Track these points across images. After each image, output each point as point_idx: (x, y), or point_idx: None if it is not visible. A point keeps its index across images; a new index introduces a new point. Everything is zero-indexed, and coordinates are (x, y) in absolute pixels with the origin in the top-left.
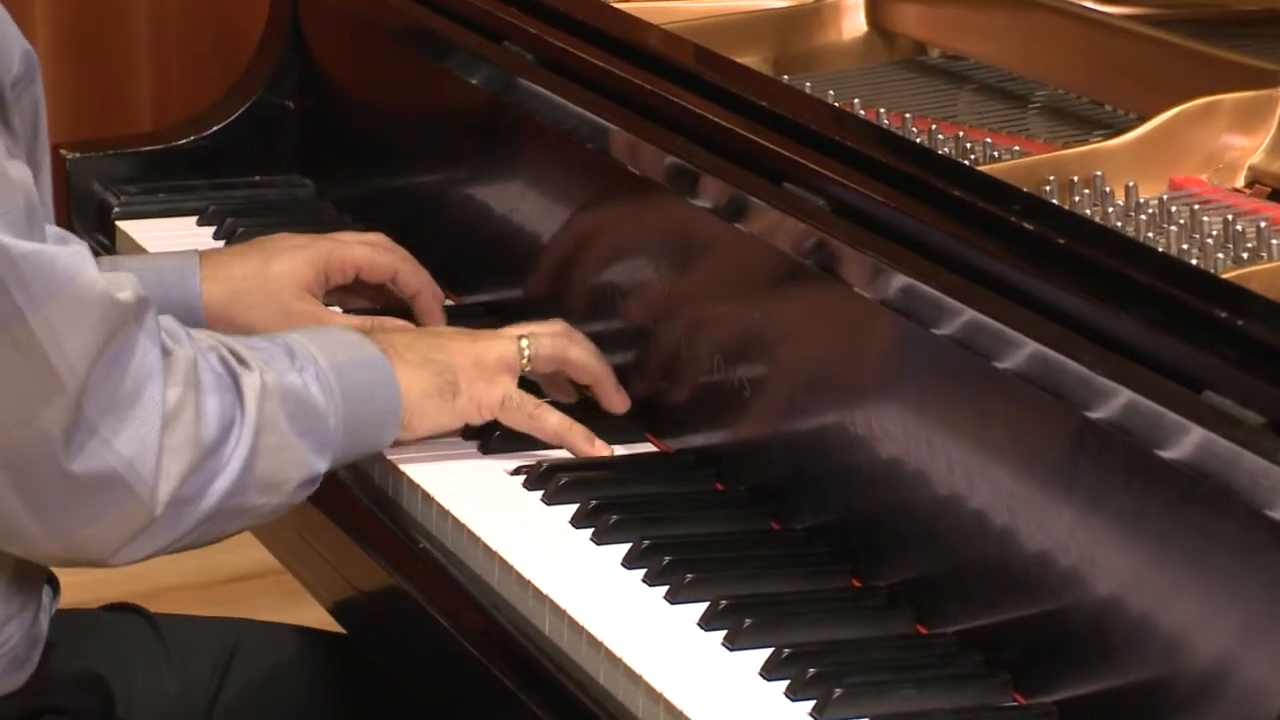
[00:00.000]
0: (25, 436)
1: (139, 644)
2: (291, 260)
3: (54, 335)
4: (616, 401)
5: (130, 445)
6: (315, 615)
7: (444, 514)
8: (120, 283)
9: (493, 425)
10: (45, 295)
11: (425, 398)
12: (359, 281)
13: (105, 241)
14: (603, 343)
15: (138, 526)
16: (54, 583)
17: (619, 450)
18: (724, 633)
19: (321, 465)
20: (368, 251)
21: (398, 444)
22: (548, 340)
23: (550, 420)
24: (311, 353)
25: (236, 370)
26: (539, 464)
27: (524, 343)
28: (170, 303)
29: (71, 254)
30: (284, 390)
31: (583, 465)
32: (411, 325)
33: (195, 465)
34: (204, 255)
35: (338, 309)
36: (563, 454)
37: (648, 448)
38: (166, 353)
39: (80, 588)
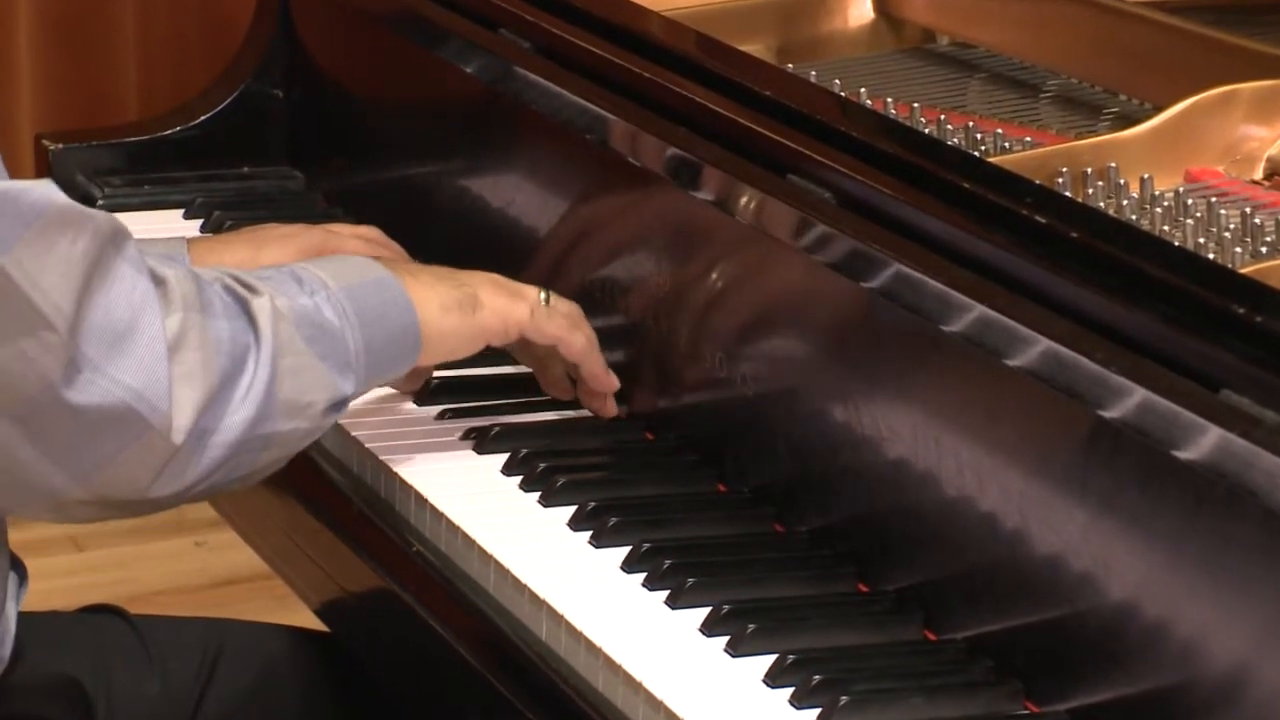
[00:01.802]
0: (26, 384)
1: (118, 647)
2: (282, 250)
3: (29, 274)
4: (609, 382)
5: (137, 376)
6: (305, 620)
7: (438, 516)
8: (91, 211)
9: (489, 426)
10: (12, 235)
11: (445, 311)
12: None
13: None
14: (602, 339)
15: (161, 458)
16: (19, 568)
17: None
18: (726, 638)
19: (347, 387)
20: (361, 245)
21: (405, 421)
22: (566, 301)
23: (580, 335)
24: (320, 277)
25: (245, 296)
26: (536, 464)
27: (542, 291)
28: None
29: (37, 186)
30: (297, 313)
31: (581, 466)
32: None
33: (212, 392)
34: (192, 243)
35: None
36: (563, 455)
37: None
38: (160, 281)
39: (59, 593)
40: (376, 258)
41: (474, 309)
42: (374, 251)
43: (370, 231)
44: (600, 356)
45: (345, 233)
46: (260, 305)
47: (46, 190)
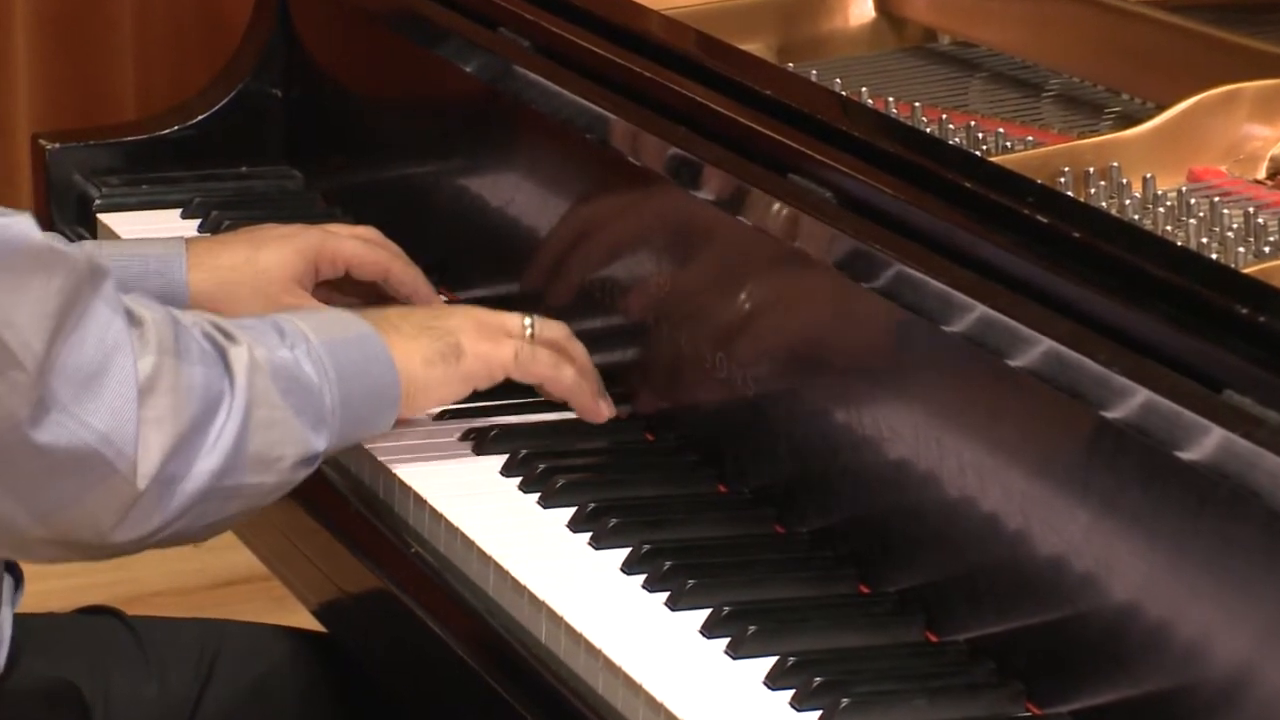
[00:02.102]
0: None
1: (115, 648)
2: (281, 250)
3: (2, 311)
4: (599, 412)
5: (105, 419)
6: (303, 622)
7: (437, 517)
8: (67, 250)
9: (488, 426)
10: None
11: (428, 365)
12: (348, 277)
13: (86, 235)
14: (602, 339)
15: (125, 503)
16: (15, 571)
17: (618, 451)
18: (727, 640)
19: (320, 443)
20: (359, 246)
21: (404, 422)
22: (553, 325)
23: (567, 374)
24: (301, 330)
25: (223, 344)
26: (536, 465)
27: (527, 320)
28: (155, 291)
29: (15, 223)
30: (274, 366)
31: (581, 466)
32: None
33: (180, 439)
34: (190, 243)
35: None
36: (562, 455)
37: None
38: (137, 322)
39: (56, 595)
40: (359, 309)
41: (457, 359)
42: (372, 252)
43: (368, 232)
44: (589, 387)
45: (343, 233)
46: (237, 355)
47: (23, 228)
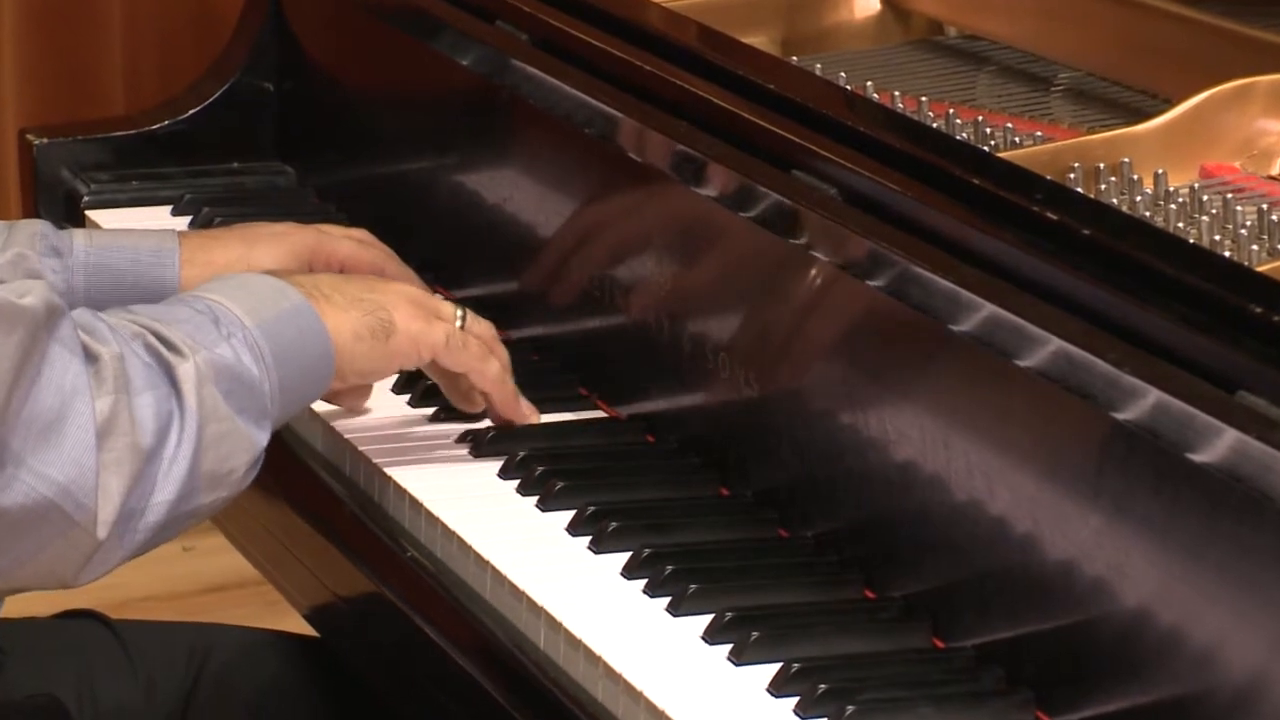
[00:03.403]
0: None
1: (99, 653)
2: (275, 249)
3: None
4: (520, 412)
5: (64, 470)
6: (296, 627)
7: (433, 521)
8: (24, 289)
9: (485, 428)
10: None
11: (356, 339)
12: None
13: None
14: (601, 338)
15: (85, 552)
16: None
17: (618, 453)
18: (730, 646)
19: (264, 439)
20: (354, 246)
21: (401, 424)
22: (483, 321)
23: (493, 367)
24: (236, 316)
25: (168, 359)
26: (534, 467)
27: (459, 310)
28: (144, 286)
29: None
30: (217, 369)
31: (581, 469)
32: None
33: (136, 475)
34: (183, 237)
35: None
36: (561, 458)
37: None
38: (93, 358)
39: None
40: (286, 274)
41: (387, 336)
42: (367, 253)
43: (361, 234)
44: (511, 384)
45: (337, 233)
46: (185, 371)
47: None
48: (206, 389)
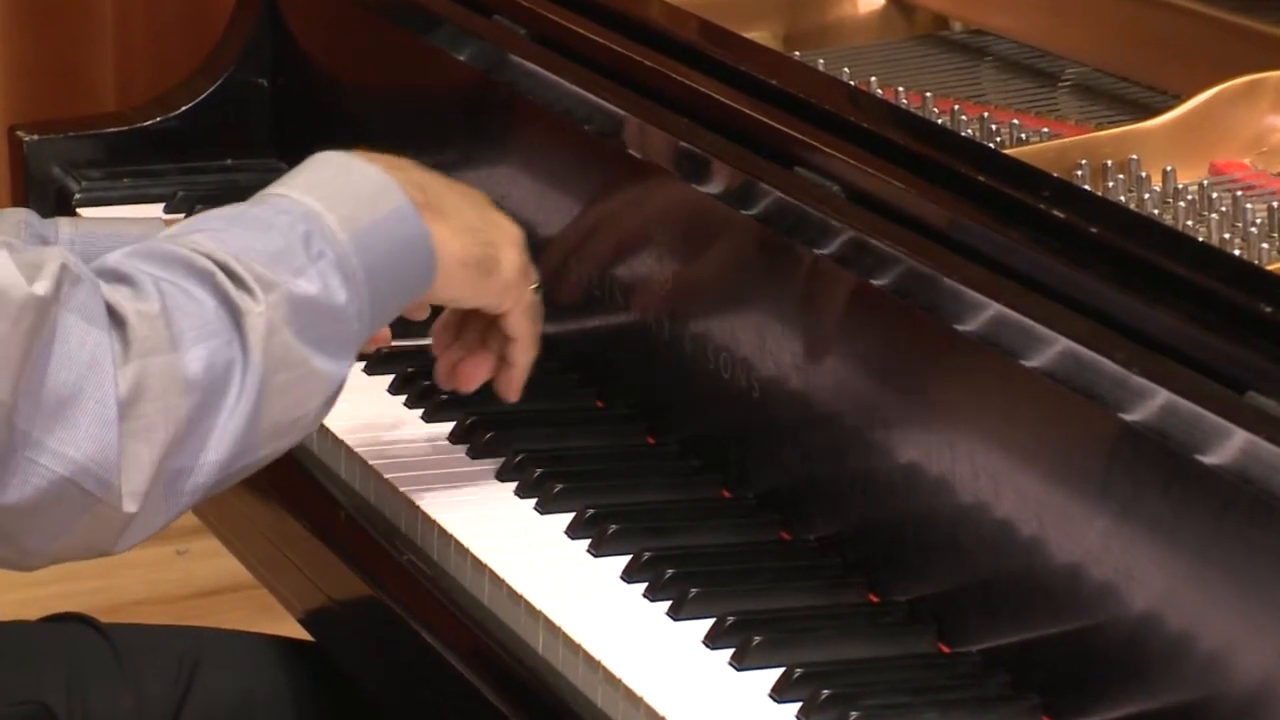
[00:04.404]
0: None
1: (89, 659)
2: None
3: None
4: (518, 390)
5: (82, 447)
6: (290, 631)
7: (430, 523)
8: (35, 265)
9: (482, 428)
10: None
11: (462, 266)
12: None
13: None
14: (602, 338)
15: (118, 525)
16: None
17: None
18: (731, 651)
19: (344, 368)
20: None
21: (397, 426)
22: (539, 303)
23: (534, 350)
24: (330, 229)
25: (237, 303)
26: (533, 469)
27: (537, 282)
28: None
29: None
30: (295, 305)
31: (580, 471)
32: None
33: (177, 438)
34: (169, 224)
35: None
36: (561, 459)
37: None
38: (119, 322)
39: (35, 603)
40: (403, 167)
41: (488, 273)
42: None
43: None
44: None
45: None
46: (254, 320)
47: None
48: (277, 337)
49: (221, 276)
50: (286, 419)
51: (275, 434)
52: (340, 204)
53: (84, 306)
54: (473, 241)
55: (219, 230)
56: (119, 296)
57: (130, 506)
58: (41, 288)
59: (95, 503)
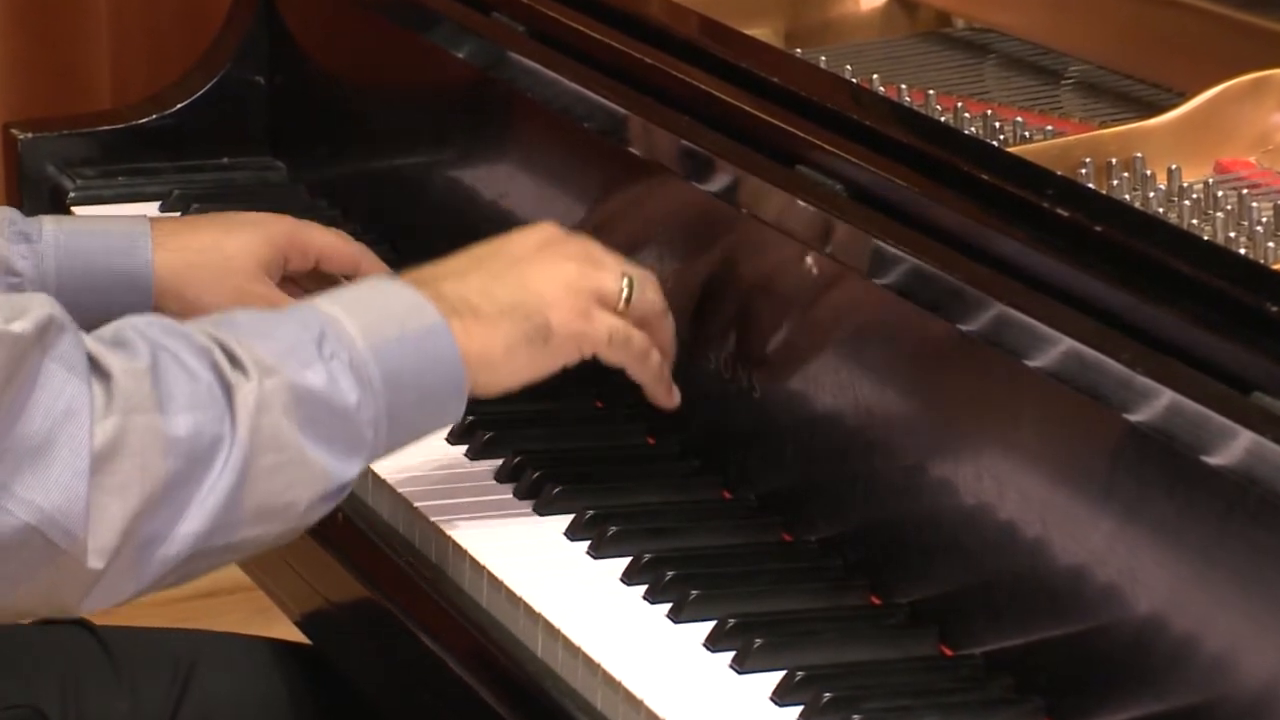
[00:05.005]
0: None
1: (84, 662)
2: (250, 236)
3: None
4: (671, 398)
5: (50, 496)
6: (287, 634)
7: (428, 525)
8: (19, 308)
9: (481, 429)
10: None
11: (510, 353)
12: (316, 271)
13: None
14: None
15: (83, 581)
16: None
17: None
18: (732, 654)
19: (351, 470)
20: (332, 236)
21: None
22: (651, 294)
23: (655, 360)
24: (348, 335)
25: (229, 378)
26: (531, 470)
27: (626, 282)
28: (116, 269)
29: None
30: (297, 394)
31: (579, 472)
32: None
33: (151, 501)
34: (155, 222)
35: None
36: (559, 460)
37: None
38: (103, 375)
39: None
40: (439, 283)
41: (545, 341)
42: (345, 244)
43: (338, 232)
44: (667, 374)
45: (314, 225)
46: (244, 396)
47: None
48: (268, 417)
49: (219, 353)
50: (272, 504)
51: (259, 517)
52: (364, 314)
53: (66, 356)
54: (511, 325)
55: (229, 321)
56: (106, 350)
57: (96, 563)
58: (19, 326)
59: (59, 554)
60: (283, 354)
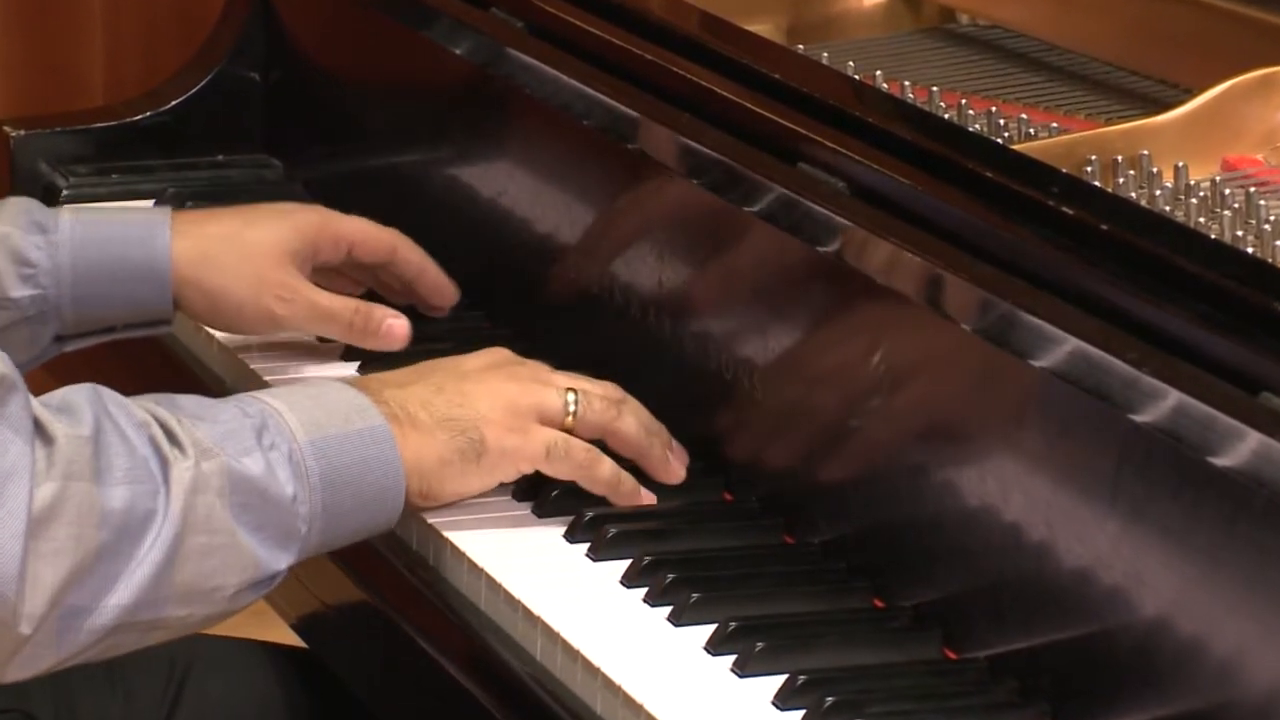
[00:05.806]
0: None
1: (75, 665)
2: (275, 226)
3: None
4: (670, 472)
5: None
6: (282, 637)
7: (425, 527)
8: None
9: None
10: None
11: (443, 464)
12: (349, 261)
13: None
14: (600, 338)
15: (9, 645)
16: None
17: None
18: (733, 657)
19: (280, 562)
20: (364, 224)
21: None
22: (599, 403)
23: (604, 469)
24: (289, 428)
25: (167, 454)
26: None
27: (571, 397)
28: (132, 258)
29: None
30: (233, 479)
31: None
32: (402, 316)
33: (81, 570)
34: (178, 212)
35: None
36: None
37: None
38: (47, 440)
39: None
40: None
41: (478, 457)
42: (377, 230)
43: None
44: (629, 482)
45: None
46: (179, 474)
47: None
48: (202, 498)
49: (158, 429)
50: (200, 585)
51: (186, 598)
52: (307, 410)
53: (12, 417)
54: (448, 436)
55: (171, 401)
56: (52, 416)
57: (25, 629)
58: None
59: None
60: (222, 438)
